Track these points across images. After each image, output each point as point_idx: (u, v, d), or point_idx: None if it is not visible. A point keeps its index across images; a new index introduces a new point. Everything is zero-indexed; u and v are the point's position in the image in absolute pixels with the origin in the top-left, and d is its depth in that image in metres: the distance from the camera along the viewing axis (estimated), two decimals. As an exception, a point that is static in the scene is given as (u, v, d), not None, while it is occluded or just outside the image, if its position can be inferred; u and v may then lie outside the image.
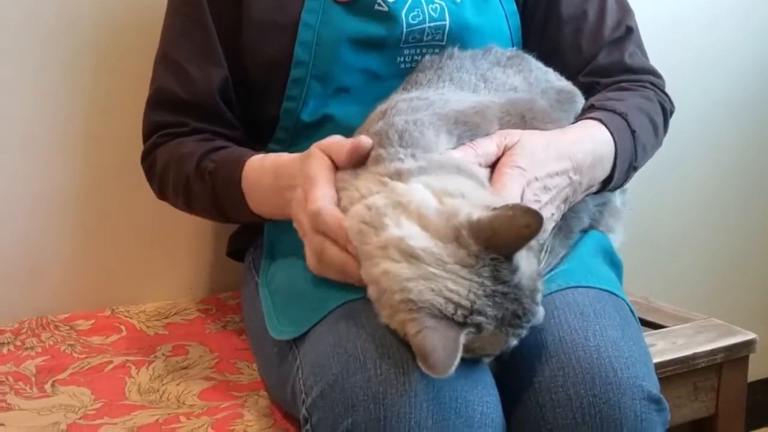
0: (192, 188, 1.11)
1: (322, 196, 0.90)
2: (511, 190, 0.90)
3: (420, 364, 0.77)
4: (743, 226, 1.97)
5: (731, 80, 1.88)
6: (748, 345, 1.31)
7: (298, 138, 1.15)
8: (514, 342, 0.82)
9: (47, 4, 1.33)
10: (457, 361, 0.76)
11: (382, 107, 0.99)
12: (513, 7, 1.19)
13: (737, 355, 1.30)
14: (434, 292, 0.78)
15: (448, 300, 0.78)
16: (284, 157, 1.02)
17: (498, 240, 0.79)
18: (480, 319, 0.78)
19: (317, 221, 0.89)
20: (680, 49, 1.78)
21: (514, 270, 0.80)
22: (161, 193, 1.20)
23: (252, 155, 1.06)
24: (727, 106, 1.88)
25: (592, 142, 1.02)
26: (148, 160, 1.18)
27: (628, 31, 1.20)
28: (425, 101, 0.98)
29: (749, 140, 1.93)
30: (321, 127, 1.14)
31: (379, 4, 1.11)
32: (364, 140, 0.92)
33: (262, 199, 1.04)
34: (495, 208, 0.80)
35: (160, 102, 1.17)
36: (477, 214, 0.80)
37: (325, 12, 1.10)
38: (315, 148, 0.95)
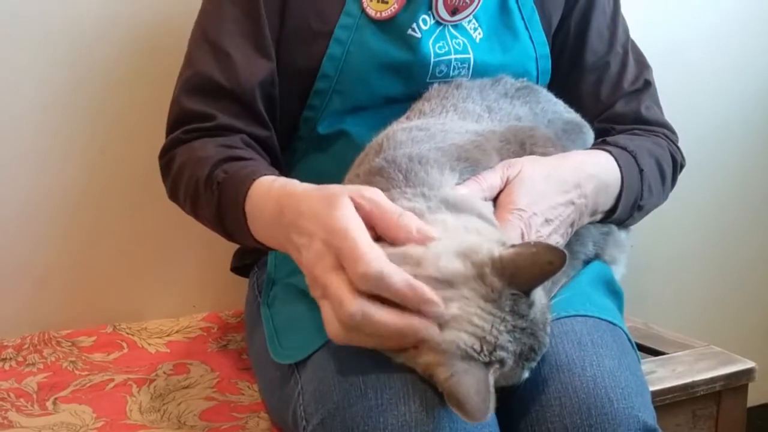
0: (200, 196, 1.04)
1: (376, 256, 0.76)
2: (510, 238, 0.88)
3: (455, 411, 0.76)
4: (744, 252, 1.97)
5: (733, 106, 1.88)
6: (748, 374, 1.31)
7: (312, 149, 1.16)
8: (526, 374, 0.83)
9: (63, 25, 1.35)
10: (493, 404, 0.76)
11: (378, 139, 0.98)
12: (546, 49, 1.19)
13: (736, 384, 1.30)
14: (455, 328, 0.77)
15: (472, 335, 0.77)
16: (293, 186, 0.89)
17: (521, 277, 0.79)
18: (503, 354, 0.78)
19: (379, 285, 0.75)
20: (684, 74, 1.79)
21: (531, 305, 0.80)
22: (172, 194, 1.13)
23: (263, 174, 0.97)
24: (728, 134, 1.88)
25: (596, 166, 1.03)
26: (166, 157, 1.12)
27: (646, 85, 1.23)
28: (426, 132, 0.97)
29: (750, 167, 1.93)
30: (335, 141, 1.14)
31: (413, 30, 1.11)
32: (430, 234, 0.80)
33: (263, 226, 0.94)
34: (515, 245, 0.80)
35: (196, 87, 1.11)
36: (498, 250, 0.79)
37: (359, 29, 1.10)
38: (344, 195, 0.81)
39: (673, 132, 1.24)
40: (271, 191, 0.93)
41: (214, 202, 1.01)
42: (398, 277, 0.75)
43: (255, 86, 1.10)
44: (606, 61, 1.22)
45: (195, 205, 1.07)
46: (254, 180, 0.95)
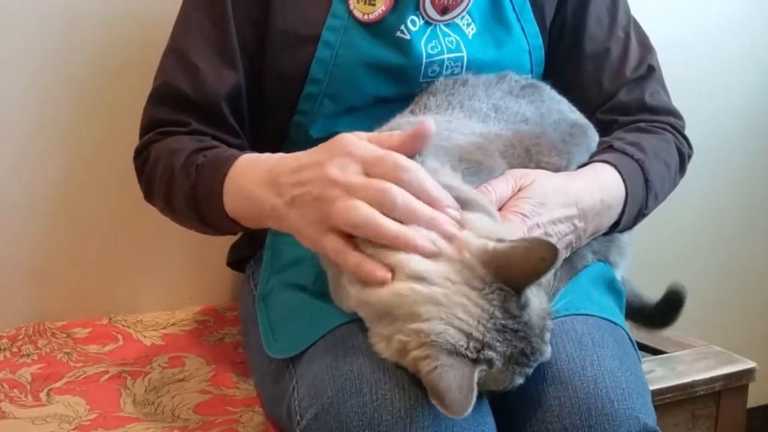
0: (174, 182, 1.04)
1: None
2: (513, 234, 0.87)
3: (435, 404, 0.76)
4: (745, 251, 1.96)
5: (735, 104, 1.87)
6: (748, 374, 1.30)
7: None
8: (519, 381, 0.82)
9: (51, 18, 1.34)
10: (473, 400, 0.75)
11: (379, 131, 0.96)
12: (539, 41, 1.17)
13: (736, 384, 1.30)
14: (444, 321, 0.77)
15: (459, 330, 0.77)
16: (286, 154, 0.94)
17: (512, 271, 0.78)
18: (491, 354, 0.78)
19: (416, 173, 0.82)
20: (686, 72, 1.77)
21: (524, 306, 0.79)
22: (147, 192, 1.13)
23: (249, 153, 1.00)
24: (730, 132, 1.87)
25: (602, 190, 1.01)
26: (141, 156, 1.12)
27: (649, 70, 1.20)
28: None
29: (752, 166, 1.93)
30: None
31: (402, 31, 1.09)
32: (428, 125, 0.85)
33: (242, 191, 0.95)
34: (511, 241, 0.79)
35: (164, 97, 1.12)
36: (492, 244, 0.79)
37: (347, 32, 1.09)
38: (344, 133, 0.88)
39: (680, 118, 1.21)
40: (260, 159, 0.96)
41: (190, 184, 1.02)
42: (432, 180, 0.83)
43: (222, 98, 1.10)
44: (606, 47, 1.19)
45: (168, 193, 1.06)
46: (238, 156, 0.98)
